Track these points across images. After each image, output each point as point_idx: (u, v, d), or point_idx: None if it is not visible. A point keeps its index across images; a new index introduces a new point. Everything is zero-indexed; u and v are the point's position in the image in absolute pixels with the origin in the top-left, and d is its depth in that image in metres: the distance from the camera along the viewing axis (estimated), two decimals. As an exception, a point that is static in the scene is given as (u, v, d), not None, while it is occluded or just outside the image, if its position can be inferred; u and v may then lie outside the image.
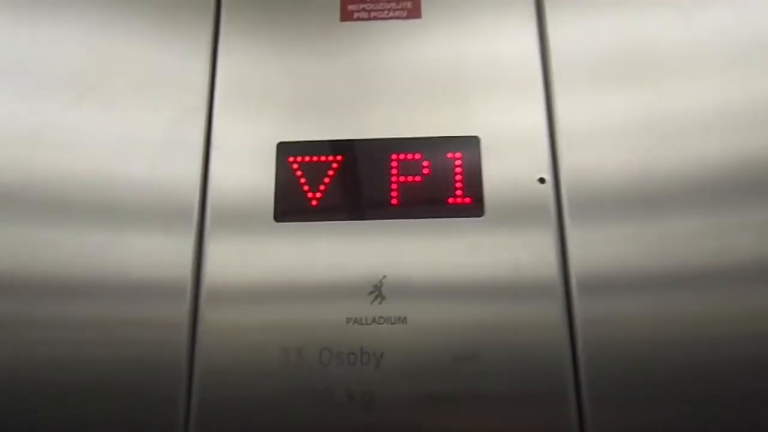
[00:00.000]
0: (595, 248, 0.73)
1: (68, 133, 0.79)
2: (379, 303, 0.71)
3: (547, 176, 0.75)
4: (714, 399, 0.69)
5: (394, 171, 0.76)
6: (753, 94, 0.77)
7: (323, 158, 0.77)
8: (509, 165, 0.76)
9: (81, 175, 0.77)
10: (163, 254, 0.74)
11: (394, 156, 0.77)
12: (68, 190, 0.77)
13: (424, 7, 0.83)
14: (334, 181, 0.76)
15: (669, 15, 0.80)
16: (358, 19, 0.82)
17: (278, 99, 0.80)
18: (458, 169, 0.76)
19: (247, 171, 0.77)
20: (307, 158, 0.77)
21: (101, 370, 0.71)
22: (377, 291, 0.72)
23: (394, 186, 0.76)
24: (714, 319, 0.71)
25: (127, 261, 0.74)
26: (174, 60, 0.82)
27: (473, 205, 0.75)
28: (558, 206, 0.74)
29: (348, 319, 0.71)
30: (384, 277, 0.72)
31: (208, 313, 0.72)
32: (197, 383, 0.70)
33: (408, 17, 0.82)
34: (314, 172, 0.77)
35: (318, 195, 0.76)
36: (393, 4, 0.82)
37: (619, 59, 0.80)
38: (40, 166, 0.78)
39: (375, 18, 0.82)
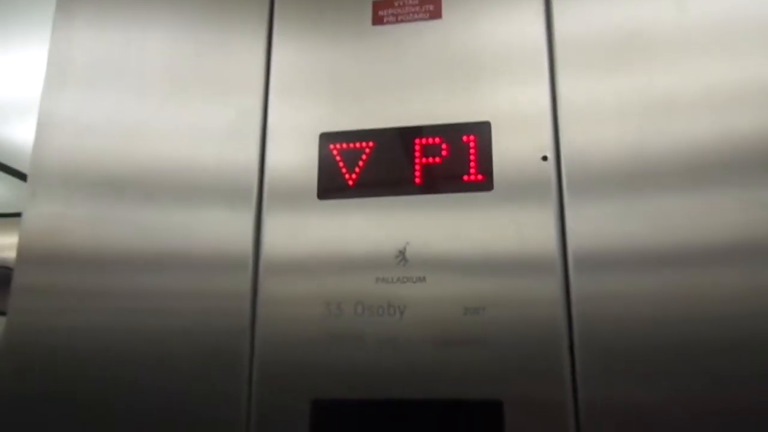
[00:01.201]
0: (593, 224, 0.82)
1: (157, 127, 0.98)
2: (403, 265, 0.86)
3: (550, 155, 0.86)
4: (710, 376, 0.75)
5: (417, 154, 0.90)
6: (744, 75, 0.83)
7: (358, 145, 0.91)
8: (516, 145, 0.87)
9: (164, 163, 0.96)
10: (228, 230, 0.91)
11: (417, 140, 0.90)
12: (154, 176, 0.96)
13: (445, 8, 0.94)
14: (367, 164, 0.91)
15: (664, 0, 0.88)
16: (387, 22, 0.95)
17: (320, 93, 0.95)
18: (472, 151, 0.88)
19: (295, 156, 0.93)
20: (344, 145, 0.92)
21: (172, 339, 0.88)
22: (402, 255, 0.86)
23: (417, 167, 0.89)
24: (711, 296, 0.77)
25: (198, 237, 0.92)
26: (236, 63, 0.99)
27: (484, 181, 0.87)
28: (558, 183, 0.85)
29: (377, 279, 0.86)
30: (407, 243, 0.86)
31: (266, 281, 0.88)
32: (259, 335, 0.87)
33: (430, 18, 0.94)
34: (350, 157, 0.91)
35: (354, 176, 0.90)
36: (417, 8, 0.94)
37: (617, 43, 0.88)
38: (136, 157, 0.97)
39: (402, 21, 0.95)
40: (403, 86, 0.93)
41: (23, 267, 0.96)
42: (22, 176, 3.05)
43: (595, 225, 0.82)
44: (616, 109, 0.86)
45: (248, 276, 0.89)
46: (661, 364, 0.77)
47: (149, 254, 0.93)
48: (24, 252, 0.97)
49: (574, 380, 0.78)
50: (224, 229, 0.91)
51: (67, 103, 1.02)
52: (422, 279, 0.85)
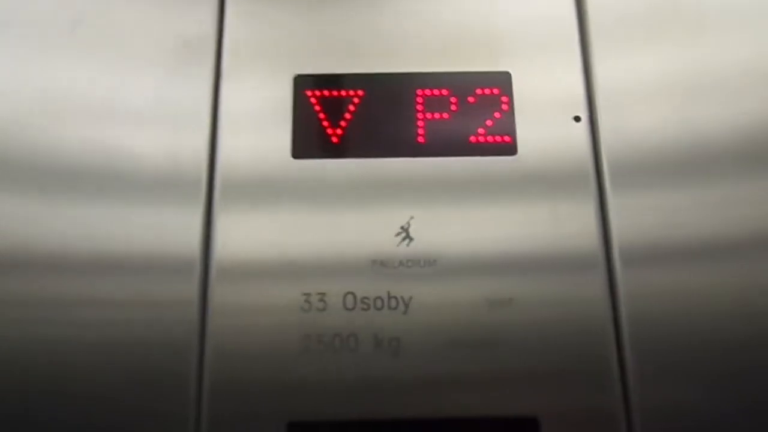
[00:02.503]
0: (639, 215, 0.68)
1: (67, 99, 0.72)
2: (407, 245, 0.67)
3: (585, 140, 0.71)
4: None
5: (419, 107, 0.71)
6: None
7: (344, 93, 0.72)
8: (542, 104, 0.72)
9: (92, 147, 0.70)
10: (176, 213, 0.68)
11: (420, 92, 0.72)
12: (79, 164, 0.70)
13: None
14: (355, 116, 0.71)
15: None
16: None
17: (293, 44, 0.74)
18: (488, 105, 0.71)
19: (264, 102, 0.71)
20: (326, 92, 0.72)
21: (109, 351, 0.64)
22: (405, 232, 0.67)
23: (420, 123, 0.71)
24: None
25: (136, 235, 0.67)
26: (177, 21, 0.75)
27: (504, 144, 0.70)
28: (597, 166, 0.70)
29: (374, 262, 0.66)
30: (411, 218, 0.68)
31: (223, 272, 0.66)
32: (211, 345, 0.64)
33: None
34: (334, 108, 0.71)
35: (339, 131, 0.71)
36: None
37: (657, 13, 0.75)
38: (53, 140, 0.70)
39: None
40: (403, 43, 0.75)
41: None
42: None
43: (644, 217, 0.68)
44: (655, 85, 0.73)
45: (196, 278, 0.66)
46: (718, 365, 0.64)
47: (79, 257, 0.66)
48: None
49: (624, 387, 0.63)
50: (173, 212, 0.68)
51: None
52: (432, 263, 0.66)
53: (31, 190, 0.69)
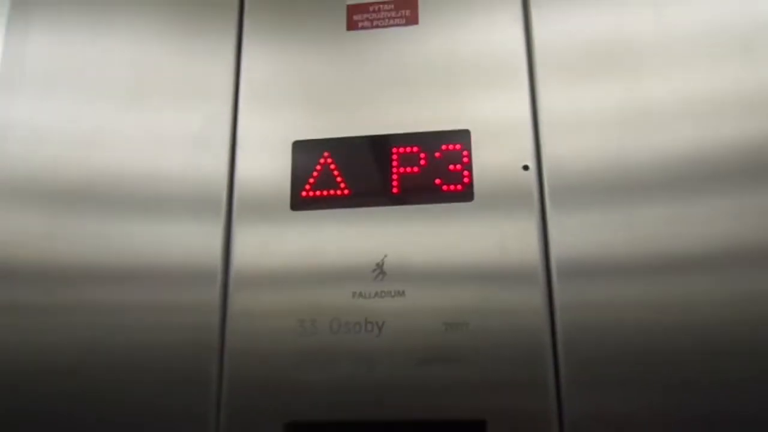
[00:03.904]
0: (575, 234, 0.80)
1: (118, 134, 0.92)
2: (381, 279, 0.82)
3: (531, 164, 0.84)
4: (694, 385, 0.74)
5: (394, 163, 0.86)
6: (723, 83, 0.83)
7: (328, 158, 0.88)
8: (496, 154, 0.85)
9: (127, 172, 0.90)
10: (196, 241, 0.86)
11: (394, 149, 0.87)
12: (117, 185, 0.90)
13: (421, 14, 0.92)
14: (342, 173, 0.87)
15: (644, 10, 0.87)
16: (362, 28, 0.92)
17: (293, 100, 0.91)
18: (451, 160, 0.85)
19: (267, 165, 0.88)
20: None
21: (139, 354, 0.82)
22: (379, 269, 0.82)
23: (395, 176, 0.86)
24: (693, 304, 0.76)
25: (164, 249, 0.86)
26: (203, 68, 0.94)
27: (464, 191, 0.84)
28: (540, 193, 0.82)
29: (354, 294, 0.82)
30: (385, 256, 0.83)
31: (236, 295, 0.83)
32: (229, 352, 0.82)
33: (407, 24, 0.92)
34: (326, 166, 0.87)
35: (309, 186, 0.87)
36: (393, 13, 0.92)
37: (597, 51, 0.87)
38: (95, 165, 0.92)
39: (377, 26, 0.92)
40: (379, 93, 0.90)
41: None
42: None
43: (578, 235, 0.80)
44: (596, 118, 0.85)
45: (217, 290, 0.84)
46: (646, 374, 0.75)
47: (111, 268, 0.87)
48: None
49: (558, 392, 0.75)
50: (192, 240, 0.86)
51: (21, 109, 0.95)
52: (401, 293, 0.81)
53: (71, 211, 0.90)
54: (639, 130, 0.83)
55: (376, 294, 0.81)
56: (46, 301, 0.87)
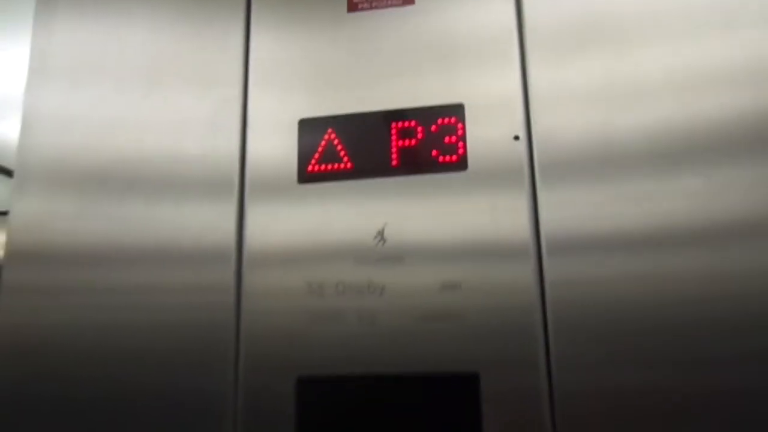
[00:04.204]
0: (565, 208, 0.85)
1: (137, 120, 1.00)
2: (382, 246, 0.88)
3: (522, 135, 0.88)
4: (683, 360, 0.77)
5: (393, 137, 0.92)
6: (706, 58, 0.86)
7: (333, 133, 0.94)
8: (489, 126, 0.90)
9: (146, 156, 0.98)
10: (210, 221, 0.93)
11: (393, 124, 0.92)
12: (137, 169, 0.98)
13: (417, -6, 0.97)
14: (347, 148, 0.93)
15: (630, -15, 0.90)
16: (362, 9, 0.97)
17: (298, 81, 0.97)
18: (446, 132, 0.91)
19: (275, 144, 0.95)
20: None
21: (159, 333, 0.90)
22: (380, 236, 0.89)
23: (394, 149, 0.92)
24: (681, 278, 0.80)
25: (183, 229, 0.94)
26: (214, 54, 1.00)
27: (459, 162, 0.89)
28: (531, 166, 0.87)
29: (357, 259, 0.88)
30: (386, 224, 0.89)
31: (250, 267, 0.91)
32: (245, 315, 0.89)
33: (403, 4, 0.96)
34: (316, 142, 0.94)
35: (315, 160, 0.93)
36: (390, -6, 0.97)
37: (585, 28, 0.91)
38: (117, 150, 0.99)
39: (376, 8, 0.97)
40: (378, 72, 0.95)
41: (12, 265, 0.97)
42: (8, 173, 3.04)
43: (567, 208, 0.85)
44: (583, 93, 0.89)
45: (232, 265, 0.91)
46: (633, 347, 0.79)
47: (134, 249, 0.95)
48: (12, 249, 0.98)
49: (546, 344, 0.81)
50: (208, 220, 0.93)
51: (49, 99, 1.03)
52: (400, 258, 0.87)
53: (96, 194, 0.97)
54: (625, 104, 0.87)
55: (377, 259, 0.88)
56: (73, 283, 0.95)
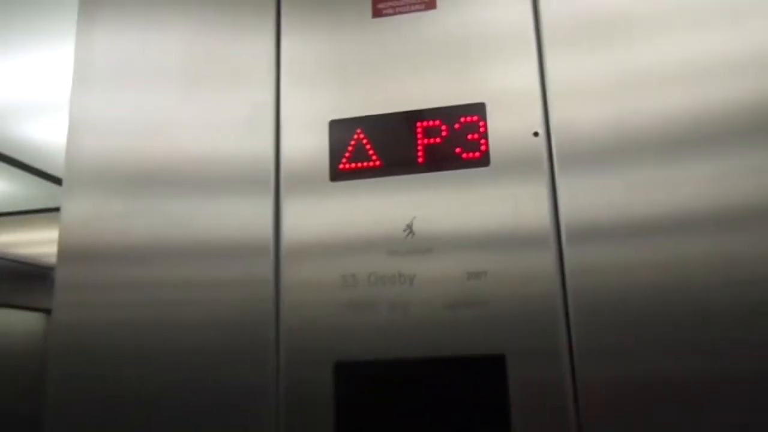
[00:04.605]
0: (583, 197, 0.89)
1: (176, 122, 1.06)
2: (411, 237, 0.94)
3: (541, 131, 0.94)
4: (706, 346, 0.81)
5: (419, 135, 0.98)
6: (713, 49, 0.91)
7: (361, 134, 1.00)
8: (509, 123, 0.95)
9: (187, 156, 1.04)
10: (248, 217, 0.99)
11: (419, 123, 0.98)
12: (178, 169, 1.04)
13: (439, -1, 1.02)
14: (375, 147, 0.99)
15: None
16: (386, 14, 1.03)
17: (327, 83, 1.03)
18: (469, 130, 0.96)
19: (307, 143, 1.01)
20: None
21: (202, 328, 0.96)
22: (409, 229, 0.95)
23: (419, 147, 0.97)
24: (703, 264, 0.83)
25: (223, 226, 1.00)
26: (247, 57, 1.06)
27: (481, 158, 0.95)
28: (550, 158, 0.92)
29: (388, 251, 0.94)
30: (414, 218, 0.95)
31: (287, 261, 0.97)
32: (282, 303, 0.96)
33: (426, 9, 1.02)
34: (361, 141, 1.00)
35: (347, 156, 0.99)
36: (413, 0, 1.02)
37: (599, 22, 0.96)
38: (159, 151, 1.06)
39: (399, 12, 1.02)
40: (403, 73, 1.01)
41: (64, 263, 1.04)
42: (36, 172, 3.13)
43: (585, 198, 0.90)
44: (598, 86, 0.94)
45: (270, 259, 0.98)
46: (655, 334, 0.84)
47: (178, 246, 1.01)
48: (64, 249, 1.05)
49: (568, 328, 0.87)
50: (246, 216, 1.00)
51: (94, 104, 1.10)
52: (429, 250, 0.93)
53: (141, 193, 1.04)
54: (637, 95, 0.92)
55: (407, 251, 0.94)
56: (121, 280, 1.01)
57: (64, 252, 1.05)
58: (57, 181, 3.11)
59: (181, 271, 1.00)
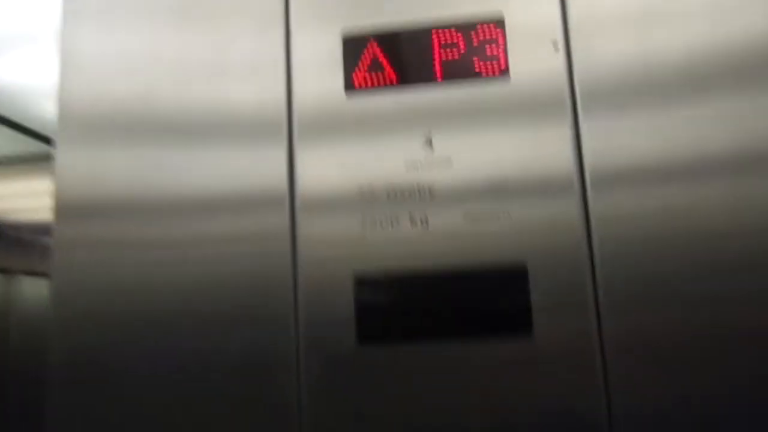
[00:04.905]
0: (607, 139, 0.88)
1: (177, 63, 1.00)
2: (430, 149, 0.93)
3: (562, 63, 0.92)
4: (734, 297, 0.80)
5: (436, 47, 0.96)
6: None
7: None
8: (529, 40, 0.94)
9: (190, 102, 0.98)
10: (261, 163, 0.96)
11: (435, 35, 0.96)
12: (181, 116, 0.98)
13: None
14: (390, 61, 0.97)
15: None
16: None
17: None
18: (488, 43, 0.95)
19: (321, 60, 0.98)
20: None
21: (211, 289, 0.92)
22: (429, 143, 0.94)
23: (437, 60, 0.96)
24: (733, 210, 0.82)
25: (236, 177, 0.95)
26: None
27: (500, 74, 0.94)
28: (571, 88, 0.91)
29: (407, 162, 0.93)
30: (432, 132, 0.94)
31: (305, 169, 0.95)
32: (298, 210, 0.94)
33: None
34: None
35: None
36: None
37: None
38: (159, 96, 0.99)
39: None
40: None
41: (63, 220, 0.97)
42: None
43: (613, 141, 0.88)
44: (620, 15, 0.92)
45: (284, 181, 0.96)
46: (685, 284, 0.83)
47: (187, 199, 0.95)
48: (62, 204, 0.97)
49: (588, 233, 0.88)
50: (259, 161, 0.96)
51: (86, 41, 1.02)
52: (448, 160, 0.93)
53: (142, 141, 0.97)
54: (658, 29, 0.90)
55: (426, 162, 0.93)
56: (127, 237, 0.95)
57: (62, 208, 0.98)
58: (16, 126, 2.96)
59: (188, 227, 0.95)
